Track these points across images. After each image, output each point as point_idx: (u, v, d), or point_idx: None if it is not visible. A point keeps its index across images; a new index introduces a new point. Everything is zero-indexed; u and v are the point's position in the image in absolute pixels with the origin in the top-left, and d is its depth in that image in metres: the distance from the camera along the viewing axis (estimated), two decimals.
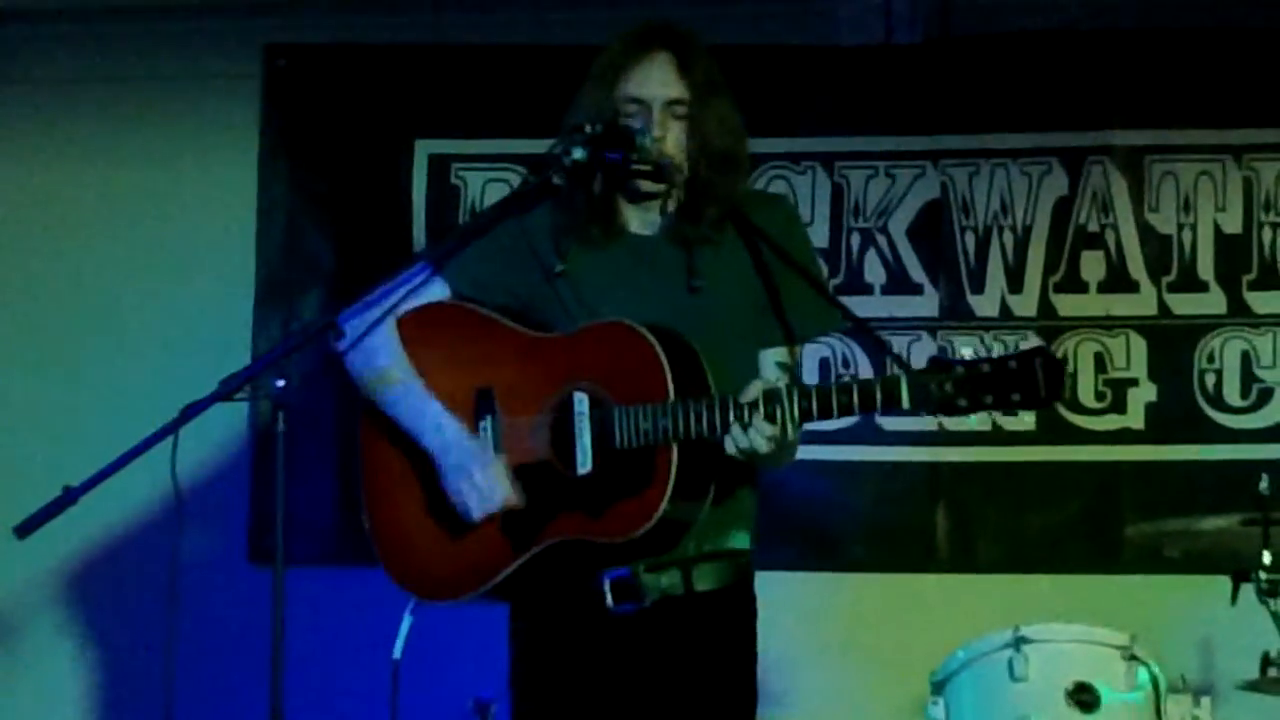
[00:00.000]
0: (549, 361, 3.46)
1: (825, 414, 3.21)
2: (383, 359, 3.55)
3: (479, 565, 3.48)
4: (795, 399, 3.20)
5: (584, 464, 3.37)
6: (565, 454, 3.39)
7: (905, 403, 3.11)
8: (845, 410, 3.19)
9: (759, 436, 3.22)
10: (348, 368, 3.59)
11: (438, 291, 3.59)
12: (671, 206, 3.54)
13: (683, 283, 3.49)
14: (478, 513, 3.43)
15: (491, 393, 3.49)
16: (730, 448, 3.25)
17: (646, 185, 3.48)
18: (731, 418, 3.24)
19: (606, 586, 3.46)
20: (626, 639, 3.47)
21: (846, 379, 3.24)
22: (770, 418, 3.20)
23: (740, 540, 3.57)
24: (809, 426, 3.27)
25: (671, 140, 3.47)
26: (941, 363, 3.12)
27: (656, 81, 3.48)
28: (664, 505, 3.28)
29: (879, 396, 3.15)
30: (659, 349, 3.32)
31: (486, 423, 3.48)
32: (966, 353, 3.11)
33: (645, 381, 3.31)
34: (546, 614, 3.54)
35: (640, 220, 3.56)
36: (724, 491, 3.41)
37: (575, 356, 3.43)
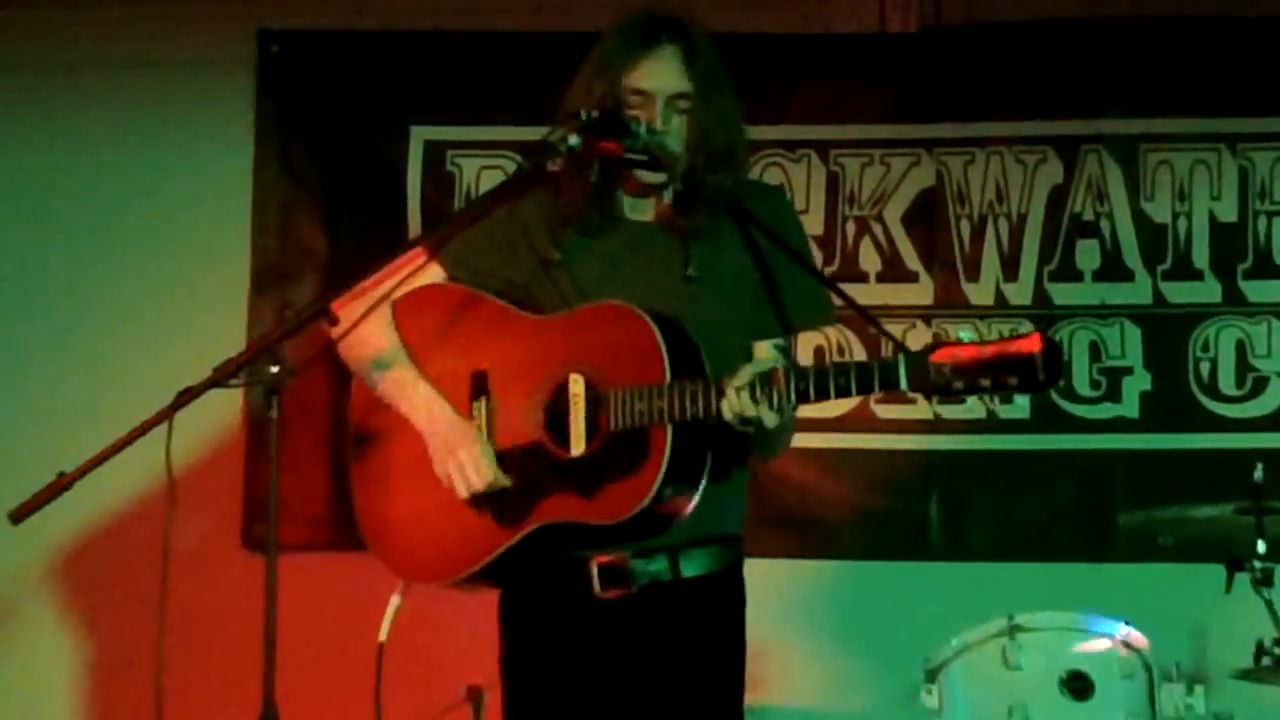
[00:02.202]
0: (545, 343, 3.46)
1: (822, 396, 3.21)
2: (375, 344, 3.56)
3: (469, 546, 3.49)
4: (792, 381, 3.19)
5: (578, 446, 3.37)
6: (560, 436, 3.40)
7: (903, 384, 3.11)
8: (843, 392, 3.19)
9: (754, 413, 3.21)
10: (341, 353, 3.61)
11: (434, 277, 3.59)
12: (667, 195, 3.54)
13: (679, 272, 3.50)
14: (463, 491, 3.44)
15: (486, 375, 3.50)
16: (728, 416, 3.24)
17: (645, 176, 3.49)
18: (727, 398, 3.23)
19: (594, 572, 3.46)
20: (614, 625, 3.48)
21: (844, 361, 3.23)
22: (766, 399, 3.20)
23: (730, 526, 3.58)
24: (809, 413, 3.26)
25: (673, 133, 3.47)
26: (939, 345, 3.12)
27: (662, 75, 3.49)
28: (656, 487, 3.28)
29: (876, 378, 3.15)
30: (657, 331, 3.32)
31: (481, 404, 3.49)
32: (964, 336, 3.10)
33: (641, 363, 3.32)
34: (535, 599, 3.55)
35: (634, 207, 3.57)
36: (716, 477, 3.41)
37: (571, 338, 3.44)
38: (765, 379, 3.21)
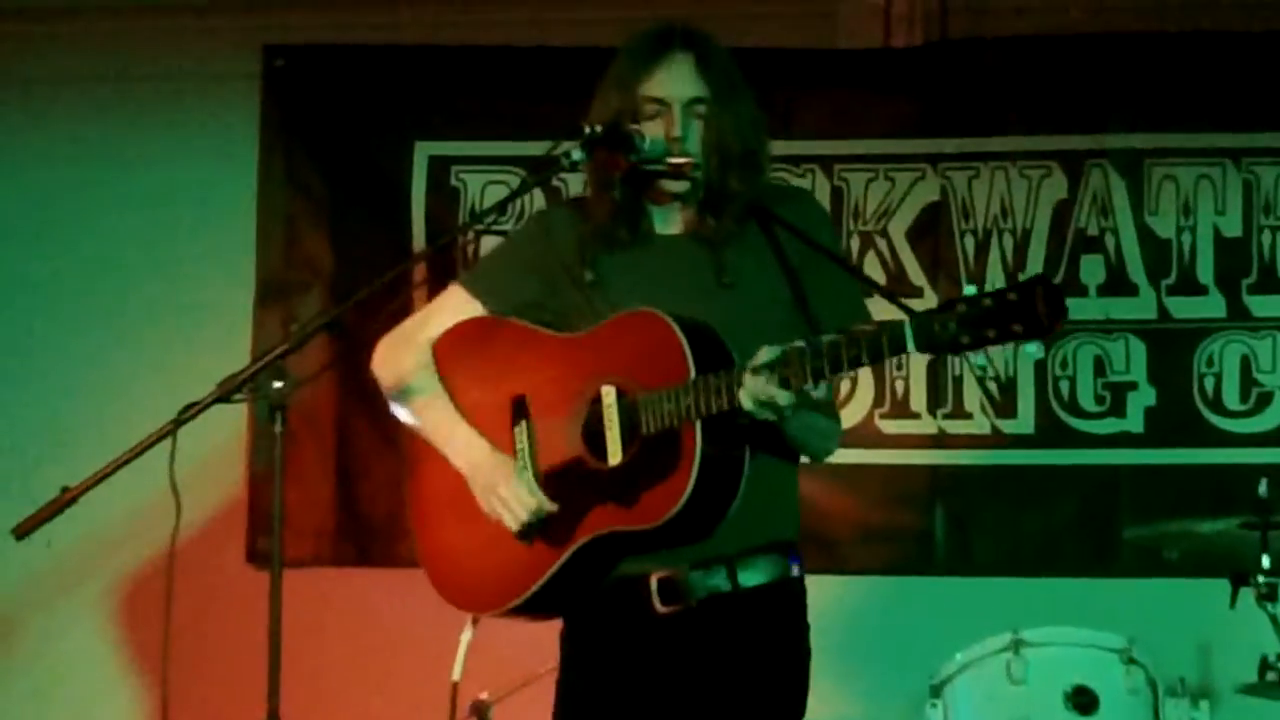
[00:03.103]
0: (578, 359, 3.46)
1: (837, 369, 3.18)
2: (415, 382, 3.57)
3: (520, 572, 3.47)
4: (807, 359, 3.19)
5: (615, 455, 3.37)
6: (597, 448, 3.39)
7: (910, 345, 3.10)
8: (855, 363, 3.17)
9: (771, 392, 3.21)
10: (383, 388, 3.62)
11: (470, 310, 3.60)
12: (693, 205, 3.54)
13: (713, 280, 3.49)
14: (513, 525, 3.43)
15: (525, 399, 3.50)
16: (748, 403, 3.22)
17: (669, 186, 3.49)
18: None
19: (653, 587, 3.45)
20: (676, 640, 3.45)
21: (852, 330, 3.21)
22: (784, 382, 3.19)
23: (786, 532, 3.56)
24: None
25: (692, 140, 3.47)
26: (944, 304, 3.11)
27: (677, 81, 3.48)
28: (691, 486, 3.27)
29: (886, 344, 3.14)
30: (678, 330, 3.31)
31: (522, 428, 3.49)
32: (969, 290, 3.10)
33: (667, 365, 3.31)
34: (596, 620, 3.53)
35: (664, 220, 3.57)
36: (762, 481, 3.39)
37: (600, 350, 3.43)
38: (781, 360, 3.21)
